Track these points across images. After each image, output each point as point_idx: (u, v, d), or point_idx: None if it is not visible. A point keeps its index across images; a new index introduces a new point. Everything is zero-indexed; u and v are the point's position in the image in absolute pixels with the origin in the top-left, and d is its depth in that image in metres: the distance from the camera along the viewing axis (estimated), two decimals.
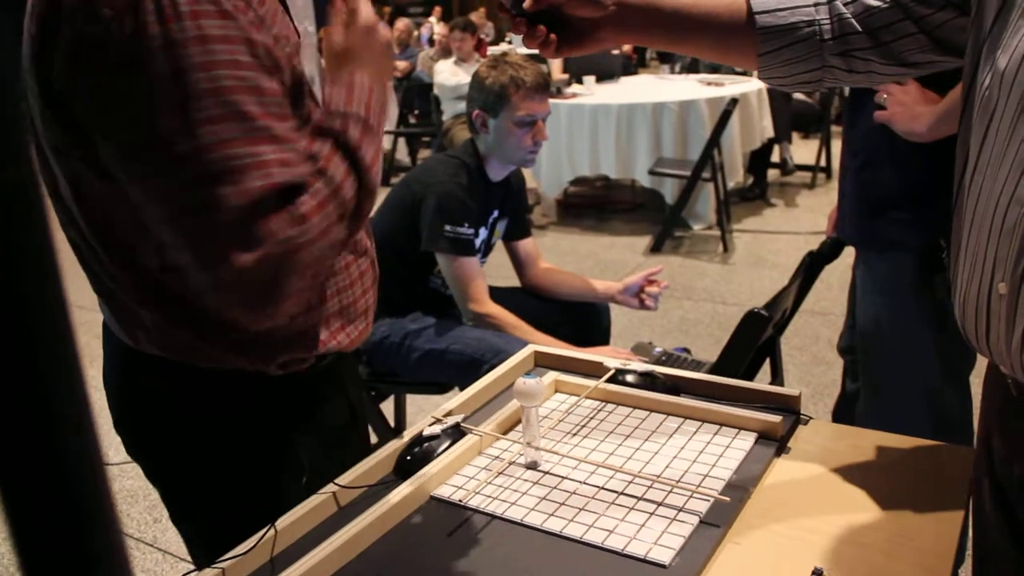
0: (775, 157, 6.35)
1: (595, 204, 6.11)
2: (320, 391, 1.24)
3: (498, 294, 2.40)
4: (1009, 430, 0.99)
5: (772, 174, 6.44)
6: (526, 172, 5.57)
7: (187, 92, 0.87)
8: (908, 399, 1.77)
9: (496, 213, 2.44)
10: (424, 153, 7.73)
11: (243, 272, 0.90)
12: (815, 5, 1.05)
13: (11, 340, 0.26)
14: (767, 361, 2.19)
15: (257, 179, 0.89)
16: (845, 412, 2.12)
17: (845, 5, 1.04)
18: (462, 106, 6.18)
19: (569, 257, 5.03)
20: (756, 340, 1.75)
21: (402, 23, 8.42)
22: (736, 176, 5.66)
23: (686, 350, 2.43)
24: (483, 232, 2.38)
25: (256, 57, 0.92)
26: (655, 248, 5.00)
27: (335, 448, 1.26)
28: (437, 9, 15.30)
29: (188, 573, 0.93)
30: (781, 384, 2.18)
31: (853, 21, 1.04)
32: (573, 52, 1.09)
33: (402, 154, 7.78)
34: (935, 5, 1.01)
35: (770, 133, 6.07)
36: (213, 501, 1.17)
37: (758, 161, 6.14)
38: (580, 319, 2.54)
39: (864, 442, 1.16)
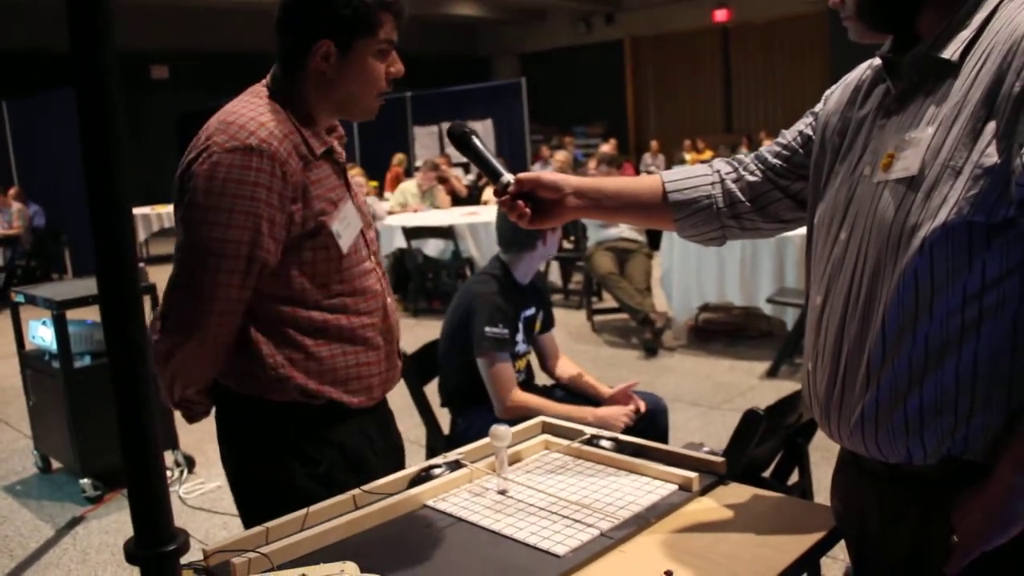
0: None
1: (727, 331, 6.38)
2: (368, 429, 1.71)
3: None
4: (836, 473, 1.33)
5: None
6: (659, 298, 5.93)
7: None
8: None
9: (533, 310, 2.97)
10: (577, 277, 8.22)
11: None
12: (711, 184, 1.47)
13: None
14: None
15: None
16: None
17: (733, 182, 1.46)
18: (606, 233, 6.69)
19: (688, 378, 5.32)
20: (752, 437, 2.05)
21: (562, 155, 9.14)
22: None
23: None
24: (520, 326, 2.89)
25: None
26: (771, 373, 5.21)
27: (369, 467, 1.69)
28: (612, 141, 16.14)
29: (248, 531, 1.39)
30: (808, 487, 2.44)
31: (738, 193, 1.45)
32: (543, 224, 1.50)
33: (555, 276, 8.35)
34: (791, 178, 1.41)
35: None
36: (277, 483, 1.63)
37: None
38: (645, 422, 2.91)
39: (766, 501, 1.49)
